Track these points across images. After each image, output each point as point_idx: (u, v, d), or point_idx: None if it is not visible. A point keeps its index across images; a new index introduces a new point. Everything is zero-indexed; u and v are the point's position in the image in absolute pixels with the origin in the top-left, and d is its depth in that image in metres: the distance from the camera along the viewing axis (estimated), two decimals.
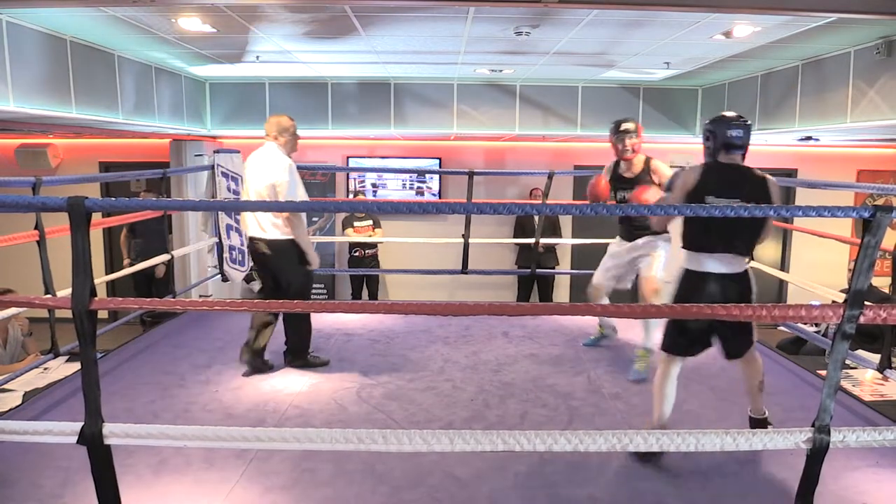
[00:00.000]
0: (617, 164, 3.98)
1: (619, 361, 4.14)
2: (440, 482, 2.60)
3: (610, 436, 1.87)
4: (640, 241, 3.93)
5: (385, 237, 7.54)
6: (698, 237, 2.72)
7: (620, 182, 3.94)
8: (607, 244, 4.20)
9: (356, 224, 7.34)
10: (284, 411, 3.28)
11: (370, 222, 7.42)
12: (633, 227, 3.95)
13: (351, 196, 8.25)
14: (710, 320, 2.69)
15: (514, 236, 7.62)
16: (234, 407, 3.33)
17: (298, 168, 3.79)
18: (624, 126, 3.83)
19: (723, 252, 2.68)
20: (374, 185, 8.43)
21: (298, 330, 3.93)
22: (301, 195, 3.77)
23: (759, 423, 2.98)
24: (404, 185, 8.45)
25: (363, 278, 7.67)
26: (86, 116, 5.07)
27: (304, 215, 3.85)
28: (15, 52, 4.21)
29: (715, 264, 2.69)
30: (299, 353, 3.94)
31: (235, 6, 3.97)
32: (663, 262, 3.86)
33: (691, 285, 2.74)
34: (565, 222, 8.16)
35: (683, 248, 2.78)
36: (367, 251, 7.47)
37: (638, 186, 3.70)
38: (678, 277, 2.81)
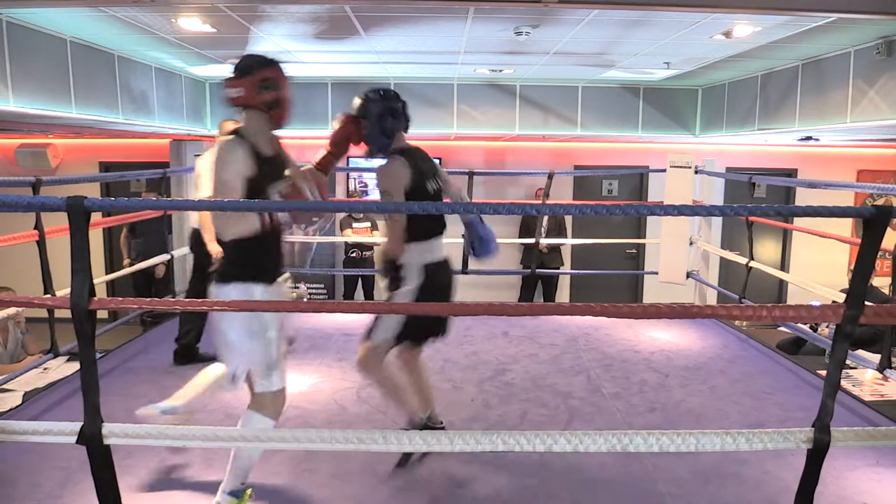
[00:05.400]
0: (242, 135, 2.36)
1: (619, 361, 4.14)
2: (440, 482, 2.60)
3: (610, 436, 1.87)
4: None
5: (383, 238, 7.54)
6: (427, 224, 2.62)
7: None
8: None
9: (355, 225, 7.35)
10: (284, 411, 3.27)
11: (368, 224, 7.42)
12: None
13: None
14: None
15: (520, 236, 7.61)
16: (234, 407, 3.33)
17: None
18: None
19: (440, 235, 2.70)
20: (360, 186, 8.47)
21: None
22: None
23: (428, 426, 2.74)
24: None
25: (357, 279, 7.67)
26: (86, 116, 5.07)
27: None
28: (15, 52, 4.21)
29: (440, 249, 2.67)
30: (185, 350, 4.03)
31: (235, 6, 3.97)
32: None
33: (432, 275, 2.61)
34: (569, 222, 8.15)
35: (413, 241, 2.59)
36: (364, 252, 7.48)
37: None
38: (417, 273, 2.59)
